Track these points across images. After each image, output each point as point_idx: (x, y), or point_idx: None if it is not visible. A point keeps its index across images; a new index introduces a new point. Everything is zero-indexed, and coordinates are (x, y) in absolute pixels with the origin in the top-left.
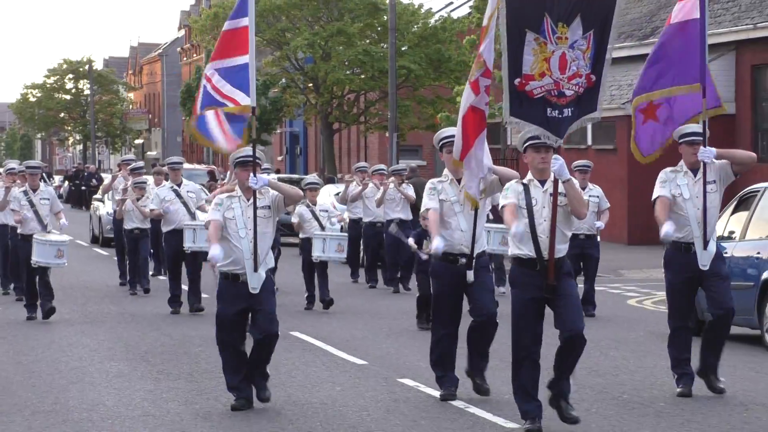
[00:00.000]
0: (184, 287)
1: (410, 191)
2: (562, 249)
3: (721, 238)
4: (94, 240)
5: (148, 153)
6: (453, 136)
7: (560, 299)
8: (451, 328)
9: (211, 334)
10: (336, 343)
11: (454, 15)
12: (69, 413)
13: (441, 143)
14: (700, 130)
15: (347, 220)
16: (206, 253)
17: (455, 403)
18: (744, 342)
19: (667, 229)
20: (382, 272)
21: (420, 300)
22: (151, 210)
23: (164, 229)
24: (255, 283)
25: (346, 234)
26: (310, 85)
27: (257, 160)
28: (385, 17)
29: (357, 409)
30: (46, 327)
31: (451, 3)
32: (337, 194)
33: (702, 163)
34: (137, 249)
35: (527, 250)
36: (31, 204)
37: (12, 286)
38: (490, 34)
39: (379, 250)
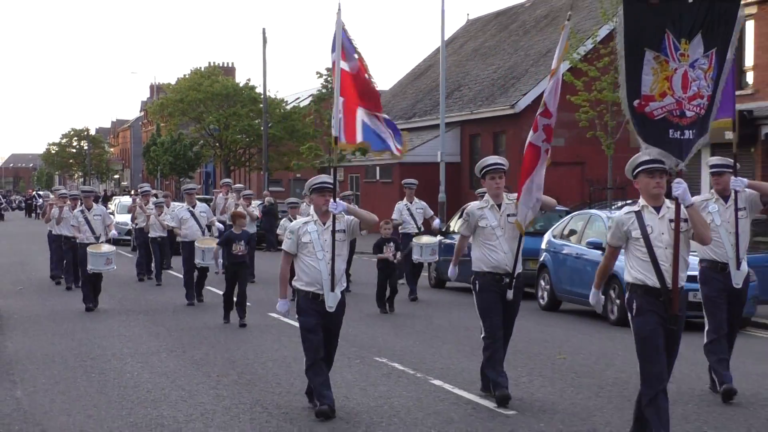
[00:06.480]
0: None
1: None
2: (683, 276)
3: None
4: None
5: (122, 183)
6: (496, 164)
7: (672, 338)
8: (498, 336)
9: (180, 299)
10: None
11: (302, 104)
12: (95, 341)
13: (484, 171)
14: (726, 162)
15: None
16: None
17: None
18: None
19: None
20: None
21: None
22: (172, 227)
23: (181, 239)
24: (332, 302)
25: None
26: (217, 144)
27: (335, 186)
28: (260, 105)
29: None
30: (77, 294)
31: (298, 98)
32: None
33: (733, 192)
34: (162, 252)
35: (650, 279)
36: (87, 220)
37: (65, 278)
38: (557, 75)
39: None
